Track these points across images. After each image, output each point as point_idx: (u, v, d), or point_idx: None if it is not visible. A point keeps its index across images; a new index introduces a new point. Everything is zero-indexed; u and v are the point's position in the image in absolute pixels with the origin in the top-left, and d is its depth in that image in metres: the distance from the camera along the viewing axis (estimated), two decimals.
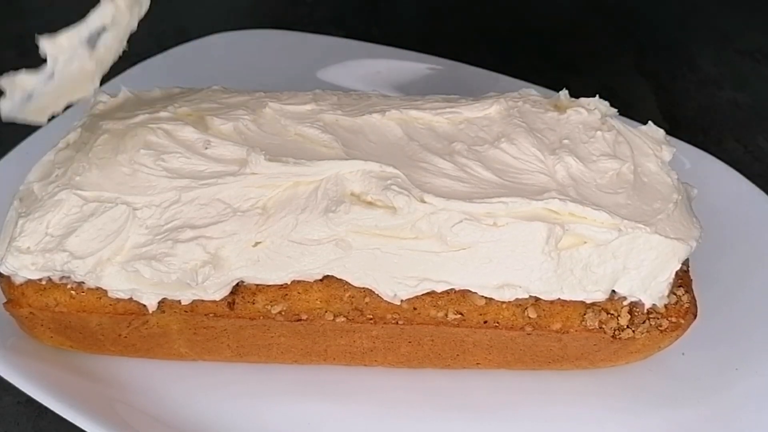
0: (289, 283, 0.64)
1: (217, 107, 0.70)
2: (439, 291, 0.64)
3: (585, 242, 0.63)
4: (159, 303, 0.64)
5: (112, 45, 0.59)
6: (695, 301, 0.66)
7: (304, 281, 0.64)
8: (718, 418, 0.67)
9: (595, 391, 0.70)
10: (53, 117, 0.58)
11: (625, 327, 0.64)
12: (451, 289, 0.64)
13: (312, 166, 0.63)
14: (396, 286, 0.63)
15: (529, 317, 0.65)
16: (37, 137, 0.85)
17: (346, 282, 0.64)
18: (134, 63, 0.97)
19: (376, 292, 0.64)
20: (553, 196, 0.63)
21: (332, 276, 0.64)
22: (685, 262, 0.67)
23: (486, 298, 0.64)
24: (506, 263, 0.63)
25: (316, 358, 0.70)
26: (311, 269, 0.63)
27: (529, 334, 0.65)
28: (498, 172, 0.65)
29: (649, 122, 0.72)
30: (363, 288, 0.64)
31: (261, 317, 0.65)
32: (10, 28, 1.16)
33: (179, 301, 0.64)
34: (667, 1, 1.25)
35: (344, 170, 0.63)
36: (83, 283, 0.64)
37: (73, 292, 0.65)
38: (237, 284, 0.64)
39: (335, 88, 0.76)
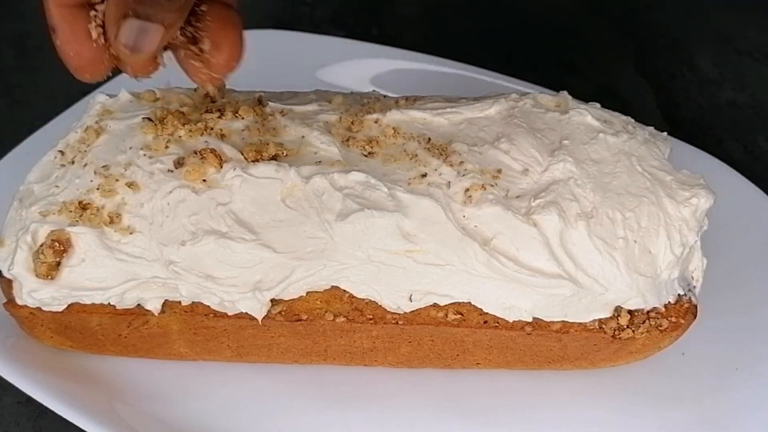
0: (305, 294, 0.64)
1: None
2: (442, 304, 0.64)
3: None
4: None
5: None
6: (695, 301, 0.67)
7: None
8: (718, 418, 0.67)
9: (595, 391, 0.70)
10: None
11: (625, 327, 0.64)
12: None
13: (300, 173, 0.63)
14: (399, 300, 0.64)
15: None
16: (37, 137, 0.85)
17: None
18: None
19: (380, 304, 0.64)
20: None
21: None
22: None
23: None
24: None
25: (316, 358, 0.70)
26: (319, 281, 0.63)
27: (529, 334, 0.65)
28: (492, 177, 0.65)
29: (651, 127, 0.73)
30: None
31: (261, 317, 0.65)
32: (10, 28, 1.16)
33: (179, 302, 0.64)
34: (667, 1, 1.25)
35: (338, 181, 0.63)
36: None
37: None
38: None
39: (335, 88, 0.76)
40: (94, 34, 0.52)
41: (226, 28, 0.54)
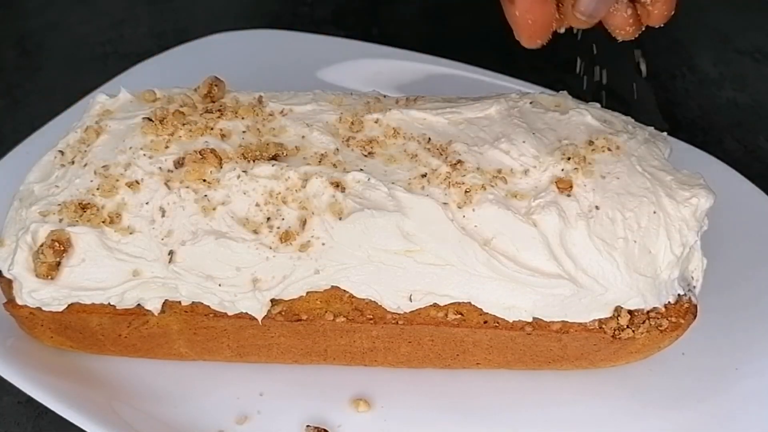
0: (305, 294, 0.64)
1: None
2: (442, 304, 0.64)
3: None
4: None
5: None
6: (695, 301, 0.67)
7: None
8: (718, 418, 0.67)
9: (595, 391, 0.70)
10: None
11: (625, 327, 0.64)
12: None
13: (300, 173, 0.63)
14: (399, 300, 0.63)
15: None
16: (37, 137, 0.85)
17: None
18: (134, 63, 0.97)
19: (380, 304, 0.64)
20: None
21: None
22: None
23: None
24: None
25: (316, 358, 0.70)
26: (319, 281, 0.63)
27: (529, 334, 0.65)
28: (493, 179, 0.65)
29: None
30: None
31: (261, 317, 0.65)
32: (10, 28, 1.16)
33: (179, 302, 0.64)
34: None
35: (335, 178, 0.63)
36: None
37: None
38: None
39: (335, 88, 0.76)
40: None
41: None
